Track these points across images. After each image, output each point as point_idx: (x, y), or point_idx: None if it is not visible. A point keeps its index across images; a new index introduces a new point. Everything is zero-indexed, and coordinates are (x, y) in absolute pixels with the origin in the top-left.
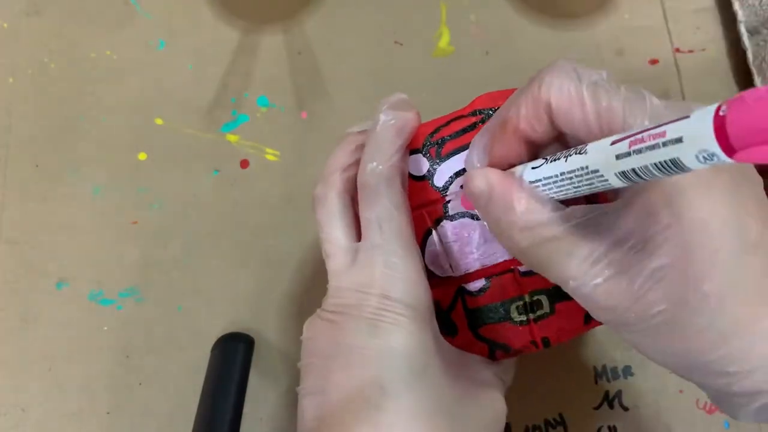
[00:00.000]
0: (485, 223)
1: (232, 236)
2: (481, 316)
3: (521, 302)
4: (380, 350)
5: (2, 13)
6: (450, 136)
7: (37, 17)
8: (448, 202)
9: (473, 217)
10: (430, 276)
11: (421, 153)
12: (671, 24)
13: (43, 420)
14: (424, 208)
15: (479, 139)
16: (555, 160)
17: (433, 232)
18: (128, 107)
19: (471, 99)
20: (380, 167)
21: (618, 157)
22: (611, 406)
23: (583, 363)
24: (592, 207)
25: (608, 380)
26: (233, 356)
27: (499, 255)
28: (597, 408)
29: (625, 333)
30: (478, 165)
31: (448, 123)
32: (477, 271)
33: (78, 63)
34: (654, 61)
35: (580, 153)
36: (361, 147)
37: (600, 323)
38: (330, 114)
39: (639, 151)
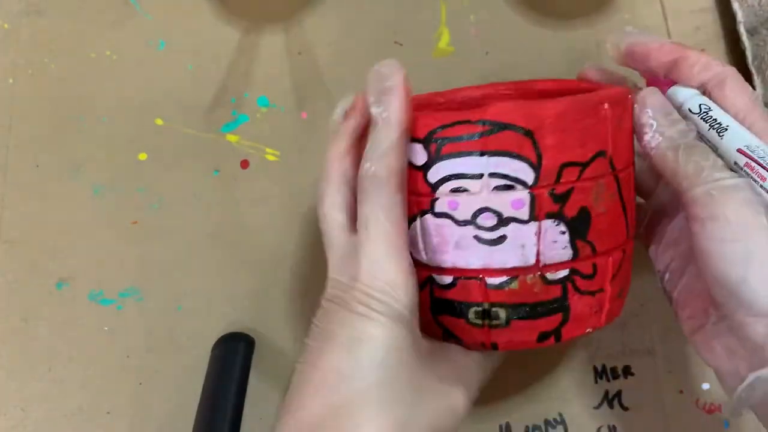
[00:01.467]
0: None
1: (233, 236)
2: (444, 306)
3: (480, 309)
4: (351, 338)
5: (2, 13)
6: (451, 138)
7: (37, 17)
8: (436, 199)
9: (457, 222)
10: None
11: (423, 144)
12: (671, 24)
13: (43, 420)
14: (414, 196)
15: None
16: (705, 119)
17: (418, 219)
18: (128, 107)
19: None
20: (372, 168)
21: (735, 163)
22: (611, 406)
23: (583, 363)
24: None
25: (608, 380)
26: (233, 356)
27: (471, 262)
28: (597, 408)
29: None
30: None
31: (453, 124)
32: (448, 268)
33: (78, 63)
34: None
35: (719, 134)
36: (352, 134)
37: (552, 343)
38: (330, 114)
39: (747, 173)
